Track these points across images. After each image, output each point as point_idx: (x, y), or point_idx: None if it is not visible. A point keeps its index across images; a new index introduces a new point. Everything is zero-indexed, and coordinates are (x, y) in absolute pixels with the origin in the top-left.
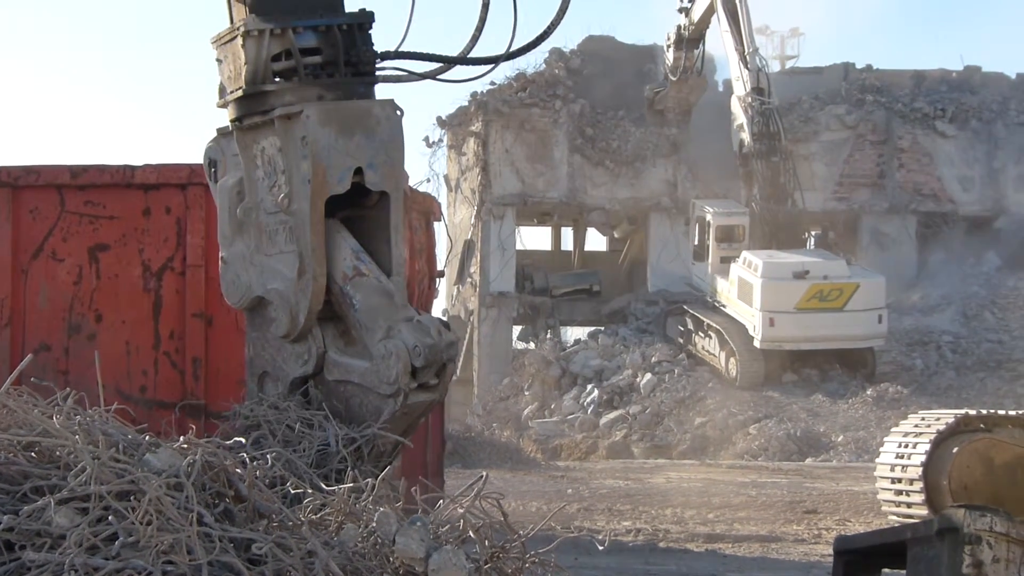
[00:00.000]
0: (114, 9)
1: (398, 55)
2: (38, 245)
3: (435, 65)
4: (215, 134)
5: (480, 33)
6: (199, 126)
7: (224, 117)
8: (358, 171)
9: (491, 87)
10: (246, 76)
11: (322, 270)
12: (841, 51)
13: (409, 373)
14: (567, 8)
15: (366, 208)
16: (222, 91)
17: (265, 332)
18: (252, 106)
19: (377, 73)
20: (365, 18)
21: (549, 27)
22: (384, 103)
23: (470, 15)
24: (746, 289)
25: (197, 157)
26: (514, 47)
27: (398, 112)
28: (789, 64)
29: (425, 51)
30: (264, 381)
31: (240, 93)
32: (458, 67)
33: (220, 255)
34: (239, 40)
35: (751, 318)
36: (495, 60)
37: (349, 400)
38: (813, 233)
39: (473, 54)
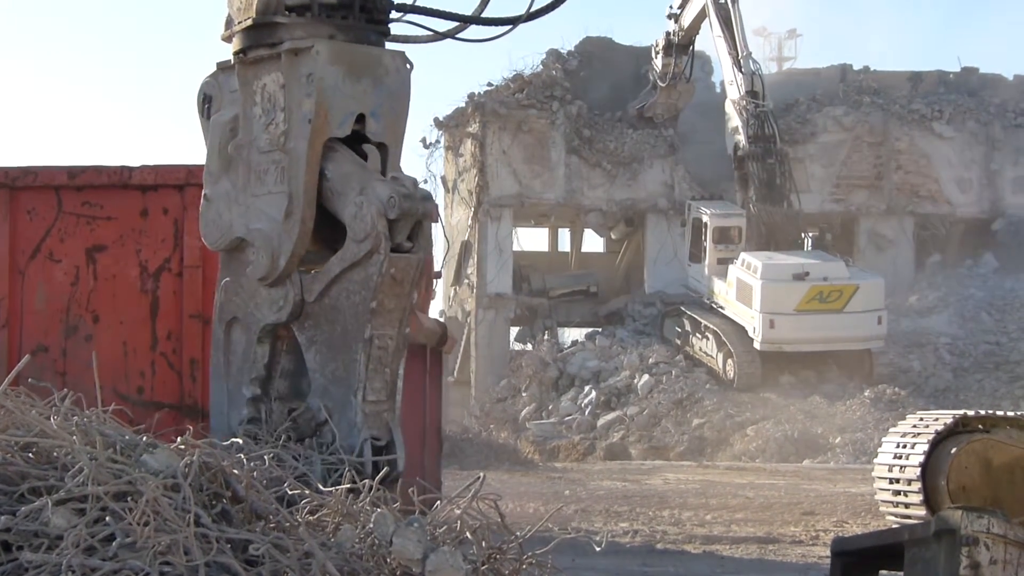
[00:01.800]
0: (113, 10)
1: (414, 9)
2: (35, 246)
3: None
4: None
5: None
6: (197, 127)
7: (226, 52)
8: (360, 118)
9: (488, 88)
10: (258, 6)
11: (311, 213)
12: (838, 52)
13: (384, 218)
14: None
15: (361, 157)
16: (228, 23)
17: (240, 276)
18: (260, 38)
19: (392, 29)
20: None
21: None
22: (395, 54)
23: None
24: (745, 291)
25: (194, 158)
26: (532, 9)
27: (408, 65)
28: (786, 65)
29: (440, 8)
30: (232, 327)
31: (249, 23)
32: (476, 27)
33: (203, 192)
34: None
35: (751, 320)
36: (514, 21)
37: (337, 302)
38: (810, 235)
39: (491, 14)
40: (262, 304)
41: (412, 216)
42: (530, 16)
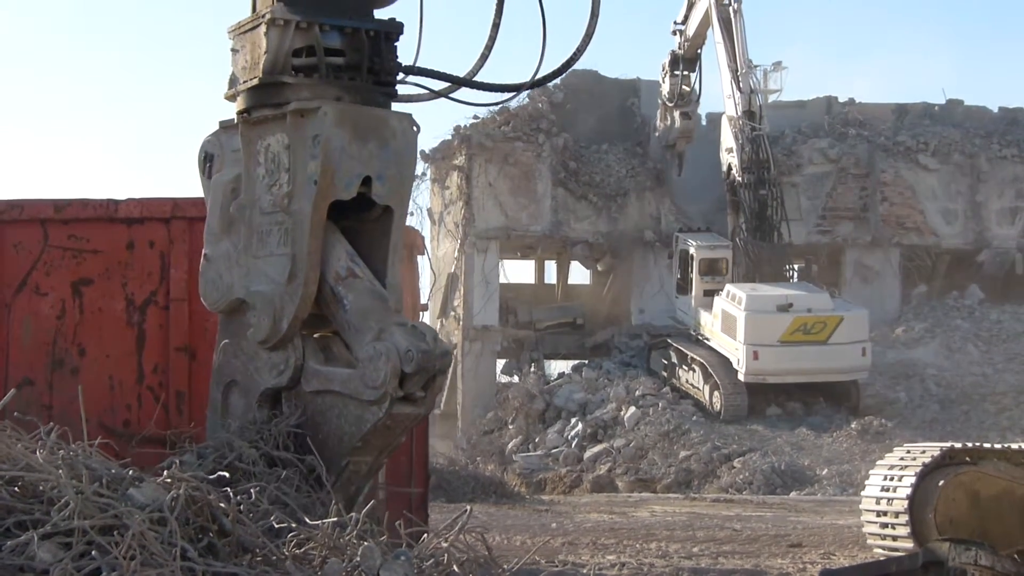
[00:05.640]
0: (111, 51)
1: (419, 71)
2: (21, 279)
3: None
4: (216, 127)
5: (489, 52)
6: (183, 161)
7: (230, 110)
8: (366, 181)
9: (474, 121)
10: (264, 65)
11: (315, 275)
12: (824, 85)
13: (397, 377)
14: (592, 34)
15: (366, 221)
16: (232, 82)
17: (240, 339)
18: (265, 97)
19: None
20: (394, 28)
21: (575, 54)
22: (402, 116)
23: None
24: (730, 322)
25: (181, 191)
26: (535, 70)
27: (415, 128)
28: (772, 98)
29: (443, 71)
30: (231, 391)
31: (255, 82)
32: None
33: (204, 252)
34: (262, 28)
35: (735, 351)
36: (518, 88)
37: (327, 412)
38: (796, 266)
39: (492, 73)
40: (262, 368)
41: (428, 372)
42: (533, 84)
